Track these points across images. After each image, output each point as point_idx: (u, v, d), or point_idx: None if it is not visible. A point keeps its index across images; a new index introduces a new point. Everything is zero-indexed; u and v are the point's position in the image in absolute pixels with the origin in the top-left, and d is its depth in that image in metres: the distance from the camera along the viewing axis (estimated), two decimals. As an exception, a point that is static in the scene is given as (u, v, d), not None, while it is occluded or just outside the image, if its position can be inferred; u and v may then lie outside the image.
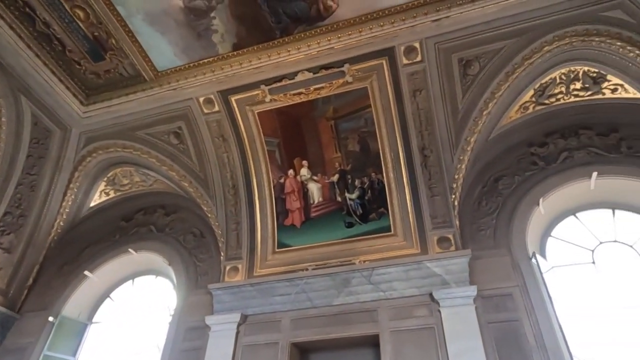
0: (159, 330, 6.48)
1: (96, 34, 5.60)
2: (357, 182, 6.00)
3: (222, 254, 6.27)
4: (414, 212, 5.66)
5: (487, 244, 5.35)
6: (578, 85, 5.57)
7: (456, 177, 5.63)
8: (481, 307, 4.83)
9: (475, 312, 4.76)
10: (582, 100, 5.70)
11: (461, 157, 5.63)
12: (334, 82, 5.78)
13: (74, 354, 6.57)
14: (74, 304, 6.86)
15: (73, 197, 7.20)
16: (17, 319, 6.73)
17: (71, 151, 6.89)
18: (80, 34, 5.61)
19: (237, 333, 5.49)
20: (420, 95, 5.60)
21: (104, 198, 7.64)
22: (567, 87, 5.61)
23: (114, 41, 5.65)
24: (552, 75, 5.51)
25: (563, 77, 5.53)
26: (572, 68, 5.42)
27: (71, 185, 7.08)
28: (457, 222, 5.47)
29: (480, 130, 5.61)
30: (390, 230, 5.70)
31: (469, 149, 5.63)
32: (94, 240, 7.44)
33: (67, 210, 7.23)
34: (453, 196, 5.57)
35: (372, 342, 5.08)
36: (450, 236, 5.36)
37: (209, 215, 6.53)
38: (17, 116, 6.26)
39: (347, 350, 5.29)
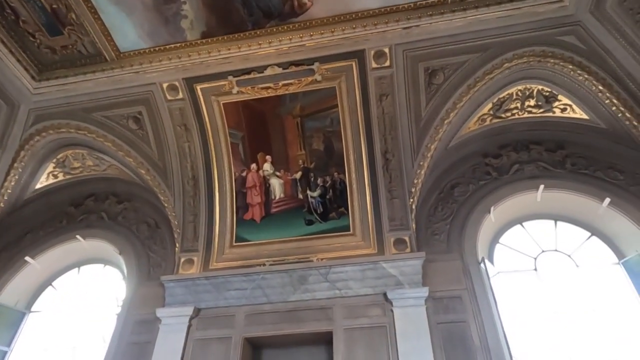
0: (105, 322, 6.22)
1: (55, 6, 5.27)
2: (319, 181, 6.05)
3: (177, 245, 6.12)
4: (373, 213, 5.79)
5: (440, 247, 5.58)
6: (532, 102, 5.92)
7: (415, 181, 5.81)
8: (432, 308, 5.03)
9: (426, 313, 4.95)
10: (535, 117, 6.07)
11: (421, 163, 5.82)
12: (302, 79, 5.78)
13: (9, 344, 6.17)
14: (11, 291, 6.44)
15: (17, 177, 6.70)
16: (-55, 306, 6.23)
17: (18, 129, 6.42)
18: (37, 5, 5.25)
19: (189, 327, 5.38)
20: (386, 100, 5.73)
21: (51, 180, 7.19)
22: (522, 103, 5.95)
23: (74, 16, 5.34)
24: (510, 91, 5.82)
25: (519, 93, 5.85)
26: (528, 86, 5.75)
27: (15, 165, 6.58)
28: (414, 225, 5.65)
29: (441, 138, 5.81)
30: (349, 230, 5.80)
31: (429, 155, 5.83)
32: (37, 224, 7.02)
33: (9, 191, 6.72)
34: (411, 200, 5.75)
35: (326, 340, 5.15)
36: (407, 238, 5.53)
37: (166, 205, 6.34)
38: (-42, 87, 5.77)
39: (300, 347, 5.33)
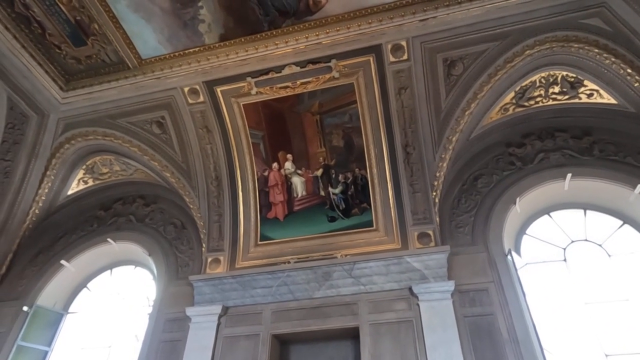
0: (138, 321, 6.44)
1: (78, 18, 5.46)
2: (340, 177, 6.06)
3: (203, 245, 6.25)
4: (396, 208, 5.77)
5: (465, 240, 5.52)
6: (556, 89, 5.76)
7: (437, 174, 5.76)
8: (458, 302, 4.99)
9: (452, 306, 4.91)
10: (559, 104, 5.91)
11: (443, 155, 5.76)
12: (320, 77, 5.80)
13: (49, 344, 6.45)
14: (49, 294, 6.73)
15: (49, 184, 7.00)
16: (-11, 309, 6.56)
17: (48, 137, 6.69)
18: (61, 18, 5.45)
19: (218, 325, 5.51)
20: (405, 93, 5.69)
21: (82, 186, 7.47)
22: (546, 91, 5.80)
23: (96, 26, 5.52)
24: (533, 79, 5.68)
25: (543, 80, 5.71)
26: (552, 72, 5.60)
27: (48, 173, 6.88)
28: (437, 219, 5.60)
29: (462, 129, 5.74)
30: (372, 225, 5.80)
31: (450, 147, 5.76)
32: (70, 229, 7.30)
33: (43, 198, 7.03)
34: (434, 193, 5.70)
35: (352, 335, 5.19)
36: (430, 232, 5.49)
37: (191, 206, 6.48)
38: (-8, 100, 6.04)
39: (327, 342, 5.38)
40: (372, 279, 5.32)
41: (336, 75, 5.74)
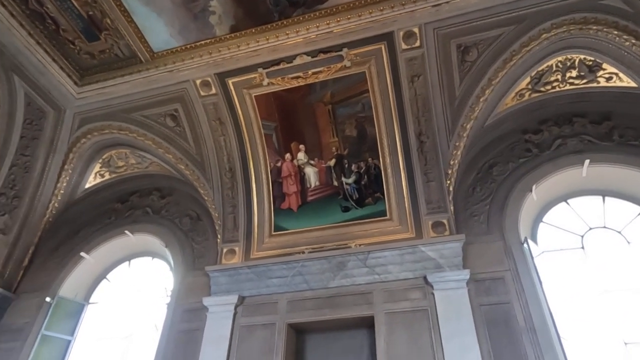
0: (157, 311, 6.57)
1: (91, 13, 5.50)
2: (353, 167, 6.05)
3: (218, 236, 6.32)
4: (410, 197, 5.74)
5: (480, 229, 5.47)
6: (574, 73, 5.62)
7: (451, 163, 5.70)
8: (473, 290, 4.97)
9: (468, 295, 4.89)
10: (577, 88, 5.77)
11: (457, 144, 5.69)
12: (332, 66, 5.76)
13: (72, 333, 6.64)
14: (70, 285, 6.91)
15: (67, 178, 7.15)
16: (14, 300, 6.77)
17: (65, 132, 6.81)
18: (74, 13, 5.50)
19: (235, 314, 5.59)
20: (418, 81, 5.62)
21: (98, 180, 7.60)
22: (563, 75, 5.66)
23: (109, 21, 5.56)
24: (549, 63, 5.55)
25: (559, 64, 5.57)
26: (569, 56, 5.46)
27: (66, 167, 7.03)
28: (452, 207, 5.56)
29: (477, 116, 5.66)
30: (385, 215, 5.78)
31: (464, 135, 5.69)
32: (89, 221, 7.45)
33: (61, 191, 7.19)
34: (448, 182, 5.65)
35: (367, 324, 5.22)
36: (445, 221, 5.46)
37: (206, 198, 6.55)
38: (10, 96, 6.16)
39: (342, 331, 5.43)
40: (387, 268, 5.33)
41: (348, 64, 5.69)
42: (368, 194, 5.94)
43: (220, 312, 5.63)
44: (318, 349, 5.46)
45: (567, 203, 5.77)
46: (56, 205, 7.25)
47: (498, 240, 5.28)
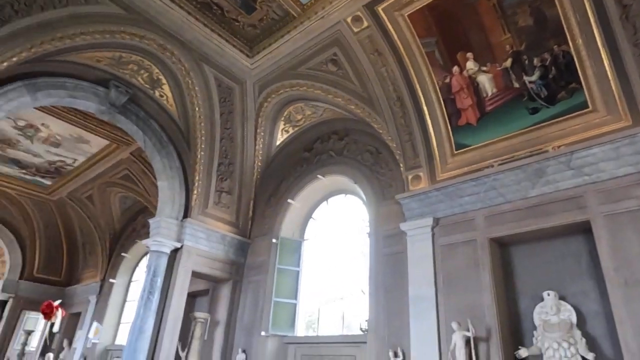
0: (359, 240, 7.32)
1: (243, -14, 5.97)
2: (536, 61, 5.27)
3: (401, 165, 6.49)
4: (617, 79, 4.75)
5: None
6: None
7: (673, 21, 4.43)
8: None
9: None
10: None
11: (680, -7, 4.36)
12: (488, -49, 4.98)
13: (298, 265, 8.01)
14: (287, 227, 8.23)
15: (262, 140, 8.33)
16: (250, 243, 8.47)
17: (250, 101, 7.84)
18: (231, -9, 6.07)
19: (433, 235, 5.79)
20: None
21: (285, 135, 8.58)
22: None
23: (259, -12, 5.95)
24: None
25: None
26: None
27: (258, 131, 8.17)
28: (682, 78, 4.40)
29: None
30: (587, 106, 4.96)
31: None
32: (286, 173, 8.58)
33: (260, 152, 8.45)
34: (672, 47, 4.45)
35: (581, 229, 4.76)
36: (674, 97, 4.38)
37: (380, 131, 6.73)
38: (205, 82, 7.35)
39: (550, 240, 5.09)
40: (599, 166, 4.66)
41: (508, -59, 4.82)
42: (560, 87, 5.15)
43: (418, 234, 5.92)
44: (526, 258, 5.27)
45: None
46: (259, 164, 8.56)
47: None
